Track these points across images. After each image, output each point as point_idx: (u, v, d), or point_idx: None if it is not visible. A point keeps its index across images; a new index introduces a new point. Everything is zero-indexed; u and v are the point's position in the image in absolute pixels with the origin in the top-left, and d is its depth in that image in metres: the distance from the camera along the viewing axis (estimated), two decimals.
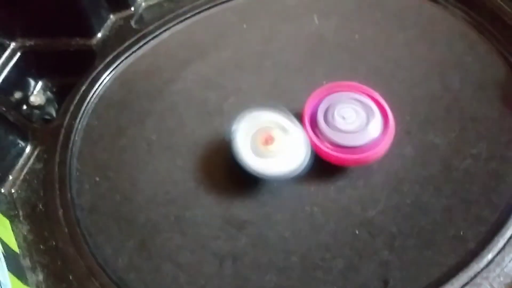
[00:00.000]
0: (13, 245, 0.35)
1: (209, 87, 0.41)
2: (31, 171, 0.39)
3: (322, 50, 0.39)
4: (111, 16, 0.46)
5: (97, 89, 0.42)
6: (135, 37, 0.44)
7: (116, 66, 0.43)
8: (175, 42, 0.45)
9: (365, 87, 0.37)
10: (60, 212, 0.36)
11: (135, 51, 0.44)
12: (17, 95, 0.46)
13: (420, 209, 0.34)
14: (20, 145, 0.40)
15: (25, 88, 0.46)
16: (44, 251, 0.35)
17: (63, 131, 0.40)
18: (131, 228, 0.35)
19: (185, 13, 0.46)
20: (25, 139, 0.40)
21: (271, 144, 0.34)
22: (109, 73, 0.43)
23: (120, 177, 0.37)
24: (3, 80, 0.44)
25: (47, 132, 0.40)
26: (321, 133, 0.35)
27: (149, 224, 0.35)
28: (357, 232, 0.34)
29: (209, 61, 0.43)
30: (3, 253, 0.33)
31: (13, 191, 0.38)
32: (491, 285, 0.31)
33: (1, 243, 0.34)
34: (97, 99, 0.42)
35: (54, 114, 0.46)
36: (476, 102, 0.38)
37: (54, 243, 0.35)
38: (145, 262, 0.34)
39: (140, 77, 0.42)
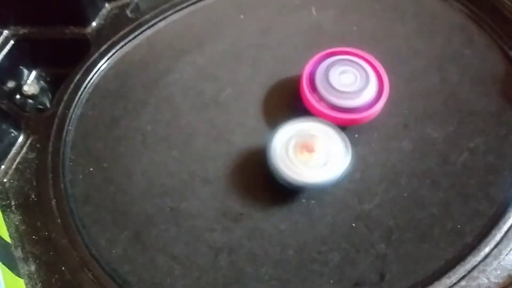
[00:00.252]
0: (5, 236, 0.35)
1: (206, 78, 0.41)
2: (24, 160, 0.38)
3: (320, 42, 0.39)
4: (107, 5, 0.46)
5: (91, 78, 0.41)
6: (131, 26, 0.44)
7: (111, 56, 0.42)
8: (171, 32, 0.44)
9: (361, 52, 0.38)
10: (53, 202, 0.35)
11: (130, 41, 0.43)
12: (10, 84, 0.45)
13: (417, 203, 0.34)
14: (12, 134, 0.39)
15: (18, 77, 0.45)
16: (37, 241, 0.34)
17: (56, 120, 0.39)
18: (125, 219, 0.35)
19: (181, 2, 0.45)
20: (18, 129, 0.39)
21: (310, 153, 0.33)
22: (104, 63, 0.42)
23: (114, 168, 0.37)
24: None
25: (41, 121, 0.40)
26: (319, 95, 0.36)
27: (144, 215, 0.35)
28: (354, 225, 0.34)
29: (206, 51, 0.42)
30: None
31: (5, 180, 0.37)
32: (488, 278, 0.31)
33: None
34: (91, 89, 0.41)
35: (47, 103, 0.45)
36: (475, 96, 0.38)
37: (46, 234, 0.35)
38: (139, 253, 0.33)
39: (136, 67, 0.42)
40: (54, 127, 0.39)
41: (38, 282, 0.33)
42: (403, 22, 0.43)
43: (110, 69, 0.42)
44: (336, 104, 0.36)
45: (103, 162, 0.37)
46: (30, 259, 0.34)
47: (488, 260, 0.32)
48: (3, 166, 0.38)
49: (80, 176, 0.37)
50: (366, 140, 0.37)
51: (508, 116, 0.37)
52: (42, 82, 0.46)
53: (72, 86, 0.41)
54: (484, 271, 0.31)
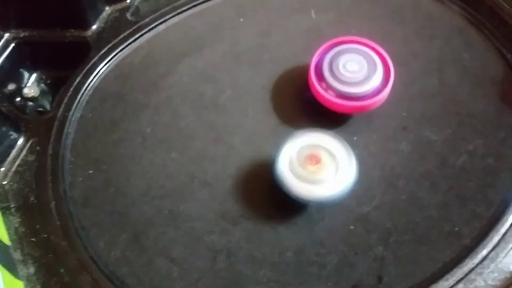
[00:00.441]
0: (4, 238, 0.35)
1: (205, 81, 0.41)
2: (24, 163, 0.38)
3: (319, 45, 0.39)
4: (107, 8, 0.46)
5: (91, 81, 0.41)
6: (131, 29, 0.44)
7: (111, 59, 0.43)
8: (171, 35, 0.44)
9: (367, 41, 0.38)
10: (53, 204, 0.36)
11: (130, 44, 0.43)
12: (11, 86, 0.45)
13: (416, 205, 0.34)
14: (12, 137, 0.39)
15: (18, 80, 0.46)
16: (36, 243, 0.35)
17: (56, 123, 0.39)
18: (124, 221, 0.35)
19: (181, 5, 0.45)
20: (18, 131, 0.40)
21: (317, 167, 0.32)
22: (104, 65, 0.42)
23: (113, 170, 0.37)
24: None
25: (40, 124, 0.40)
26: (326, 83, 0.36)
27: (143, 217, 0.35)
28: (352, 227, 0.34)
29: (206, 54, 0.43)
30: None
31: (5, 183, 0.38)
32: (485, 281, 0.31)
33: None
34: (91, 91, 0.41)
35: (48, 106, 0.45)
36: (473, 99, 0.38)
37: (46, 236, 0.35)
38: (138, 256, 0.33)
39: (136, 70, 0.42)
40: (54, 129, 0.39)
41: (37, 284, 0.33)
42: (402, 25, 0.43)
43: (110, 72, 0.42)
44: (343, 92, 0.36)
45: (102, 165, 0.37)
46: (29, 261, 0.34)
47: (485, 262, 0.32)
48: (2, 168, 0.38)
49: (80, 179, 0.37)
50: (365, 143, 0.37)
51: (506, 118, 0.37)
52: (42, 84, 0.47)
53: (72, 88, 0.41)
54: (481, 273, 0.31)
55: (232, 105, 0.40)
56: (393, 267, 0.32)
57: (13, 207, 0.36)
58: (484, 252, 0.32)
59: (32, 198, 0.36)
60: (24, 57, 0.45)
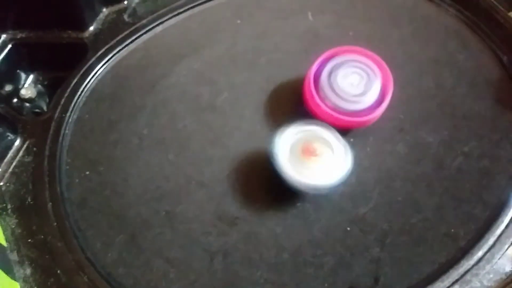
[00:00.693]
0: (1, 239, 0.35)
1: (202, 82, 0.41)
2: (21, 164, 0.38)
3: (316, 47, 0.39)
4: (104, 9, 0.46)
5: (88, 82, 0.41)
6: (128, 31, 0.44)
7: (108, 60, 0.43)
8: (168, 37, 0.44)
9: (367, 51, 0.37)
10: (49, 205, 0.36)
11: (127, 45, 0.43)
12: (8, 87, 0.45)
13: (412, 207, 0.34)
14: (9, 138, 0.39)
15: (15, 81, 0.46)
16: (32, 245, 0.35)
17: (53, 124, 0.39)
18: (121, 222, 0.35)
19: (179, 7, 0.45)
20: (15, 132, 0.40)
21: (313, 156, 0.33)
22: (101, 67, 0.42)
23: (110, 171, 0.37)
24: None
25: (37, 125, 0.40)
26: (324, 97, 0.36)
27: (139, 219, 0.35)
28: (348, 229, 0.34)
29: (203, 56, 0.43)
30: None
31: (1, 184, 0.38)
32: (481, 282, 0.31)
33: None
34: (88, 93, 0.41)
35: (44, 107, 0.45)
36: (469, 100, 0.39)
37: (42, 237, 0.35)
38: (134, 257, 0.33)
39: (133, 71, 0.42)
40: (51, 130, 0.39)
41: (33, 286, 0.33)
42: (398, 27, 0.43)
43: (107, 73, 0.42)
44: (339, 107, 0.36)
45: (99, 166, 0.37)
46: (26, 262, 0.34)
47: (481, 264, 0.32)
48: None
49: (76, 180, 0.37)
50: (362, 144, 0.37)
51: (502, 120, 0.37)
52: (39, 85, 0.46)
53: (69, 90, 0.41)
54: (477, 274, 0.32)
55: (229, 107, 0.40)
56: (389, 268, 0.32)
57: (10, 208, 0.36)
58: (480, 254, 0.32)
59: (29, 199, 0.37)
60: (21, 58, 0.45)
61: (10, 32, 0.44)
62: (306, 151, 0.33)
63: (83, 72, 0.42)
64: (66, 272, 0.33)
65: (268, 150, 0.34)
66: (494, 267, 0.32)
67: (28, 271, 0.34)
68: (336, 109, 0.36)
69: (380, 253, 0.33)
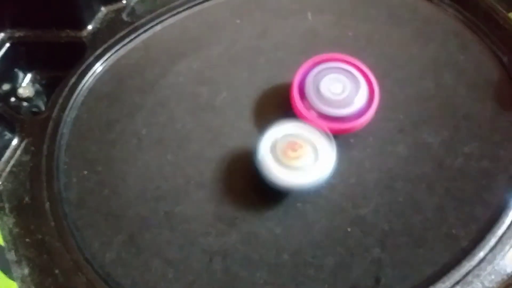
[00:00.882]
0: None
1: (201, 82, 0.41)
2: (18, 163, 0.38)
3: (316, 47, 0.39)
4: (103, 8, 0.46)
5: (87, 81, 0.41)
6: (127, 30, 0.44)
7: (107, 59, 0.42)
8: (167, 36, 0.44)
9: (351, 58, 0.37)
10: (47, 205, 0.35)
11: (126, 44, 0.43)
12: (5, 87, 0.44)
13: (413, 207, 0.34)
14: (7, 137, 0.39)
15: (13, 80, 0.45)
16: (30, 244, 0.34)
17: (51, 123, 0.39)
18: (120, 223, 0.34)
19: (177, 6, 0.45)
20: (12, 131, 0.39)
21: (296, 154, 0.33)
22: (100, 66, 0.42)
23: (108, 171, 0.37)
24: None
25: (35, 124, 0.39)
26: (309, 103, 0.36)
27: (138, 219, 0.35)
28: (349, 229, 0.34)
29: (202, 55, 0.42)
30: None
31: None
32: (482, 283, 0.31)
33: None
34: (86, 92, 0.41)
35: (42, 106, 0.45)
36: (469, 101, 0.39)
37: (40, 237, 0.34)
38: (133, 257, 0.33)
39: (131, 71, 0.42)
40: (49, 130, 0.39)
41: (31, 286, 0.32)
42: (398, 27, 0.43)
43: (105, 72, 0.42)
44: (325, 113, 0.35)
45: (97, 166, 0.37)
46: (24, 262, 0.34)
47: (482, 265, 0.32)
48: None
49: (74, 179, 0.37)
50: (362, 145, 0.37)
51: (502, 121, 0.37)
52: (37, 85, 0.46)
53: (67, 89, 0.41)
54: (478, 275, 0.31)
55: (228, 106, 0.40)
56: (390, 269, 0.32)
57: (8, 207, 0.36)
58: (481, 254, 0.32)
59: (26, 199, 0.36)
60: (20, 57, 0.45)
61: (8, 30, 0.44)
62: (289, 149, 0.33)
63: (81, 71, 0.42)
64: (64, 272, 0.33)
65: (252, 149, 0.34)
66: (495, 268, 0.31)
67: (26, 271, 0.33)
68: (322, 115, 0.35)
69: (380, 254, 0.33)
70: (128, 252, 0.33)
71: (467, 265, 0.32)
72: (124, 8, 0.46)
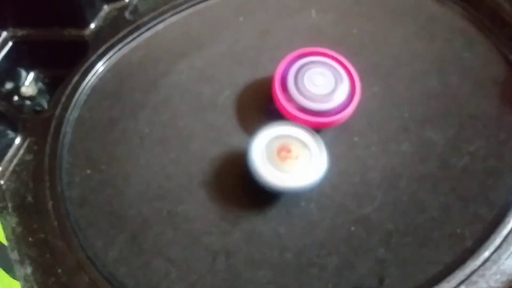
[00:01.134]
0: (1, 238, 0.35)
1: (204, 81, 0.41)
2: (21, 162, 0.38)
3: (320, 45, 0.39)
4: (105, 7, 0.45)
5: (89, 80, 0.41)
6: (129, 28, 0.44)
7: (109, 58, 0.42)
8: (170, 34, 0.44)
9: (334, 53, 0.37)
10: (50, 204, 0.35)
11: (129, 43, 0.43)
12: (8, 85, 0.45)
13: (417, 206, 0.34)
14: (10, 136, 0.39)
15: (16, 79, 0.45)
16: (33, 244, 0.34)
17: (54, 122, 0.39)
18: (122, 222, 0.34)
19: (180, 4, 0.45)
20: (15, 130, 0.39)
21: (289, 157, 0.33)
22: (102, 65, 0.42)
23: (111, 170, 0.37)
24: None
25: (38, 123, 0.39)
26: (291, 97, 0.36)
27: (141, 218, 0.35)
28: (352, 228, 0.33)
29: (205, 54, 0.42)
30: None
31: (2, 182, 0.37)
32: (487, 283, 0.31)
33: None
34: (89, 91, 0.41)
35: (45, 105, 0.45)
36: (475, 99, 0.38)
37: (43, 236, 0.34)
38: (136, 257, 0.33)
39: (134, 69, 0.42)
40: (52, 129, 0.39)
41: (34, 285, 0.33)
42: (403, 25, 0.43)
43: (108, 71, 0.42)
44: (306, 107, 0.35)
45: (100, 165, 0.37)
46: (26, 261, 0.34)
47: (487, 264, 0.31)
48: (0, 168, 0.38)
49: (77, 178, 0.36)
50: (366, 143, 0.37)
51: (508, 119, 0.37)
52: (40, 83, 0.46)
53: (69, 88, 0.41)
54: (483, 275, 0.31)
55: (231, 105, 0.39)
56: (394, 269, 0.32)
57: (10, 206, 0.36)
58: (486, 254, 0.32)
59: (29, 198, 0.36)
60: (22, 56, 0.45)
61: (10, 29, 0.44)
62: (281, 150, 0.33)
63: (84, 70, 0.41)
64: (67, 272, 0.33)
65: (243, 151, 0.33)
66: (501, 268, 0.31)
67: (29, 270, 0.33)
68: (303, 109, 0.35)
69: (385, 253, 0.32)
70: (130, 252, 0.33)
71: (472, 265, 0.31)
72: (126, 6, 0.46)
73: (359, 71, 0.38)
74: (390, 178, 0.35)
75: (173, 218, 0.34)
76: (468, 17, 0.43)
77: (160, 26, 0.44)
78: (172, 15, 0.45)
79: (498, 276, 0.31)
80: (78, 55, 0.43)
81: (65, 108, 0.40)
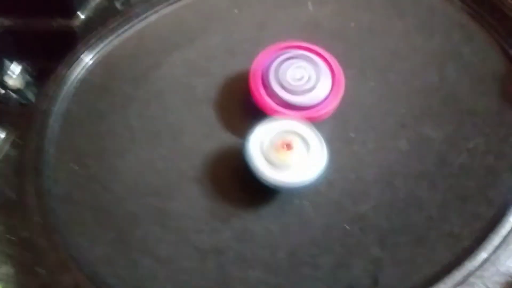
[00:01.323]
0: None
1: (197, 74, 0.40)
2: (5, 158, 0.37)
3: (316, 38, 0.38)
4: None
5: (78, 72, 0.40)
6: (120, 19, 0.43)
7: (99, 49, 0.41)
8: (162, 26, 0.43)
9: (314, 46, 0.37)
10: (34, 201, 0.34)
11: (119, 34, 0.42)
12: None
13: (414, 205, 0.33)
14: None
15: (2, 71, 0.44)
16: (14, 242, 0.33)
17: (40, 116, 0.38)
18: (109, 219, 0.34)
19: None
20: (0, 124, 0.38)
21: (288, 152, 0.32)
22: (92, 56, 0.41)
23: (99, 165, 0.36)
24: None
25: (24, 116, 0.39)
26: (271, 91, 0.35)
27: (128, 215, 0.34)
28: (347, 227, 0.33)
29: (198, 46, 0.41)
30: None
31: None
32: (485, 284, 0.30)
33: None
34: (78, 83, 0.40)
35: (32, 98, 0.44)
36: (474, 95, 0.37)
37: (25, 234, 0.33)
38: (122, 255, 0.32)
39: (124, 61, 0.41)
40: (38, 122, 0.38)
41: (15, 285, 0.32)
42: (401, 18, 0.42)
43: (97, 63, 0.41)
44: (286, 101, 0.35)
45: (87, 160, 0.36)
46: (7, 261, 0.33)
47: (486, 265, 0.31)
48: None
49: (64, 174, 0.36)
50: (362, 140, 0.36)
51: (508, 116, 0.36)
52: (27, 76, 0.45)
53: (57, 80, 0.40)
54: (481, 276, 0.30)
55: (225, 99, 0.38)
56: (389, 269, 0.31)
57: None
58: (484, 255, 0.31)
59: (12, 195, 0.35)
60: (9, 47, 0.44)
61: None
62: (280, 146, 0.32)
63: (72, 62, 0.41)
64: (50, 271, 0.32)
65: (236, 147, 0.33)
66: (499, 269, 0.30)
67: (10, 270, 0.32)
68: (284, 103, 0.35)
69: (380, 253, 0.32)
70: (117, 250, 0.32)
71: (470, 266, 0.31)
72: None
73: (355, 65, 0.37)
74: (387, 176, 0.34)
75: (162, 215, 0.34)
76: (468, 11, 0.42)
77: (153, 17, 0.43)
78: (165, 6, 0.44)
79: (496, 278, 0.30)
80: (66, 46, 0.42)
81: (52, 102, 0.39)
